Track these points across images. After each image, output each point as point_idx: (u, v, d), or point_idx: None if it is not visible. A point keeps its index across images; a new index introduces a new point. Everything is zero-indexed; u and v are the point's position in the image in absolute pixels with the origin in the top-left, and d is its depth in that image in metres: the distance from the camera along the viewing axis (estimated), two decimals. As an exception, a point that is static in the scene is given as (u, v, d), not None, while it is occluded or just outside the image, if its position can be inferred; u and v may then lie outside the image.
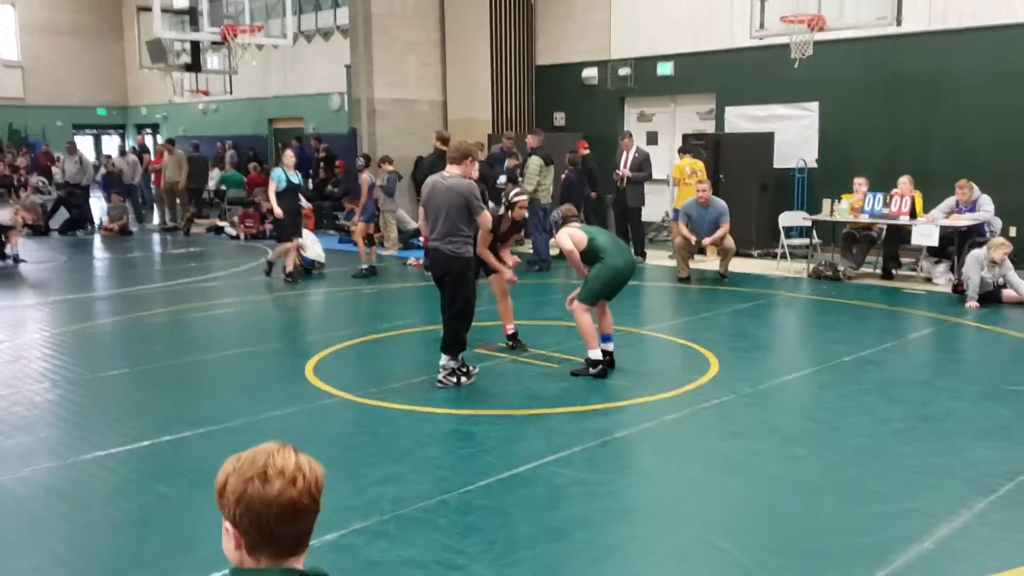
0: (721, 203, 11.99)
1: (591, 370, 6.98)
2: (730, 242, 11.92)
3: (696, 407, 6.25)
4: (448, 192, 6.72)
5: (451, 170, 6.85)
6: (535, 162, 13.37)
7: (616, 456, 5.32)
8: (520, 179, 13.52)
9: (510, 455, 5.27)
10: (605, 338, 7.19)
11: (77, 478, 5.04)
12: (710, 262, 12.78)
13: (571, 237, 7.09)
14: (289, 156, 12.01)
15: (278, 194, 11.64)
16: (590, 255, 7.02)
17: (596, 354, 6.99)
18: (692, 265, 12.09)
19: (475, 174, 6.94)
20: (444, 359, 6.79)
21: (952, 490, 4.68)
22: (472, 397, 6.57)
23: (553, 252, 12.64)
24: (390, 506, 4.51)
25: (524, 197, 7.71)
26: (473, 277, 6.94)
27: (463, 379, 6.80)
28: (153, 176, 19.19)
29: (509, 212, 7.59)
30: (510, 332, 7.97)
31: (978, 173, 11.73)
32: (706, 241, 11.82)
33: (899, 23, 11.83)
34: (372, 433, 5.76)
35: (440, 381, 6.76)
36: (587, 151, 14.49)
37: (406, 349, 8.18)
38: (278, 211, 11.69)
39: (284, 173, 11.68)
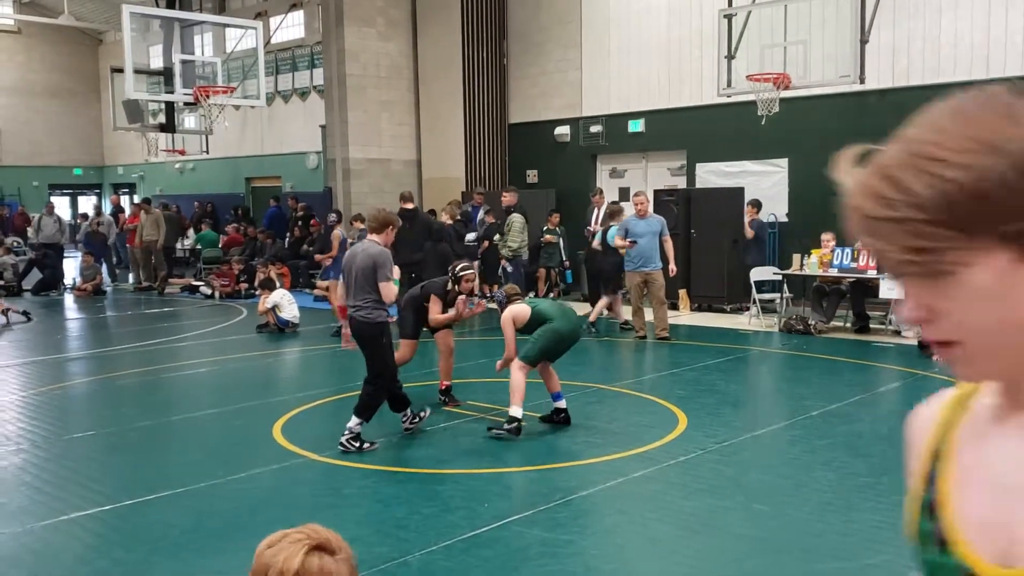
0: (660, 216, 11.97)
1: (506, 426, 6.91)
2: (659, 291, 11.48)
3: (662, 464, 6.26)
4: (362, 256, 6.80)
5: (372, 238, 6.93)
6: (519, 220, 13.54)
7: (580, 515, 5.31)
8: (503, 236, 13.66)
9: (474, 515, 5.25)
10: (556, 396, 7.25)
11: (36, 544, 4.97)
12: (682, 316, 12.82)
13: (516, 315, 7.18)
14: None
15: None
16: (536, 322, 7.13)
17: (517, 412, 6.94)
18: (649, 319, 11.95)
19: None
20: (353, 421, 6.60)
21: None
22: (438, 456, 6.55)
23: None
24: (351, 569, 4.47)
25: (471, 271, 7.89)
26: (388, 342, 6.86)
27: (365, 444, 6.62)
28: (128, 235, 19.29)
29: (456, 286, 7.70)
30: (444, 387, 8.08)
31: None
32: (672, 270, 11.71)
33: (862, 81, 12.11)
34: (336, 494, 5.73)
35: (341, 444, 6.56)
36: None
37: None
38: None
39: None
